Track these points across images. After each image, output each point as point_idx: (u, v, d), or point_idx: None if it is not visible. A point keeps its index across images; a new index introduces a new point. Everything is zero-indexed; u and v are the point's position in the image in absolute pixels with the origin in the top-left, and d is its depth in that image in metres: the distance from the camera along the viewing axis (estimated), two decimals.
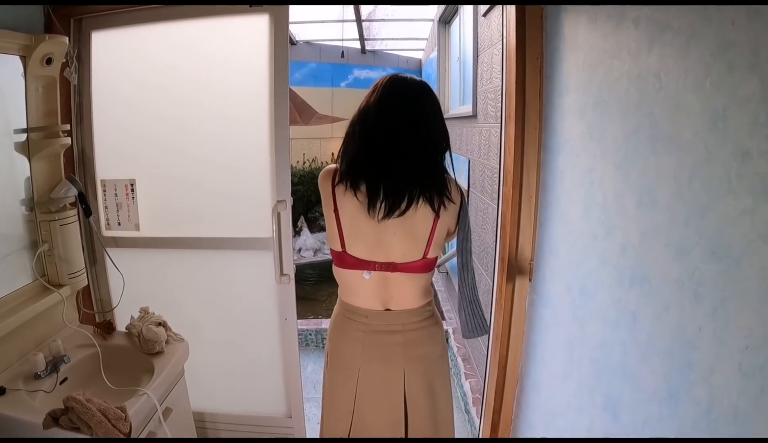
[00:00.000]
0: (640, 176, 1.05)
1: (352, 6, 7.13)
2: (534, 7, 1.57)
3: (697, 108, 0.85)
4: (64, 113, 1.94)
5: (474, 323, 1.61)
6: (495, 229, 1.94)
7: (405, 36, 9.12)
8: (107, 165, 2.14)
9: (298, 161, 9.55)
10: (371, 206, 1.36)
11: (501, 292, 1.81)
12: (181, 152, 2.10)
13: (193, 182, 2.12)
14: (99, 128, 2.10)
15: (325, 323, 1.45)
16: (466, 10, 4.98)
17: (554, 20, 1.51)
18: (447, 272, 6.15)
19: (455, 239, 1.55)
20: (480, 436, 2.14)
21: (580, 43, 1.34)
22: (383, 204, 1.36)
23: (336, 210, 1.44)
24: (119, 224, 2.16)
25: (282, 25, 1.92)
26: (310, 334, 4.02)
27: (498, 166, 1.89)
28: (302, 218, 9.19)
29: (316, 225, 9.32)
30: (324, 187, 1.45)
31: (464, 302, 1.60)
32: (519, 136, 1.65)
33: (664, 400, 0.96)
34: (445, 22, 6.33)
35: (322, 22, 8.34)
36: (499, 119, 1.90)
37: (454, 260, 1.72)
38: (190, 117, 2.07)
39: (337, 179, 1.41)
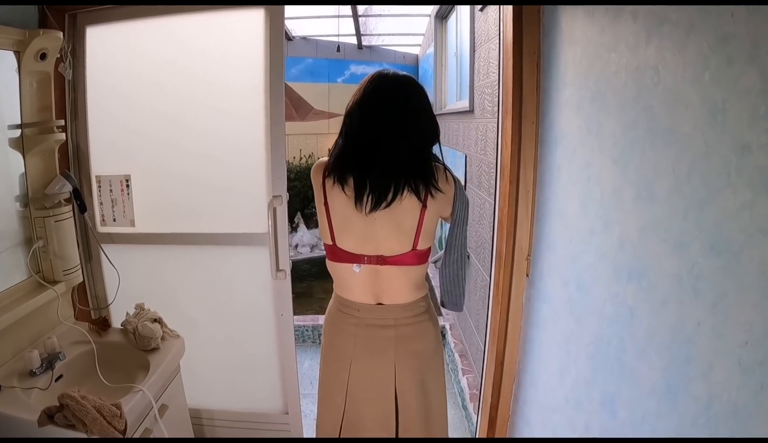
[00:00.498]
0: (638, 171, 1.04)
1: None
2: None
3: (696, 101, 0.84)
4: (59, 108, 1.93)
5: (449, 301, 1.64)
6: (492, 224, 1.94)
7: (401, 31, 9.10)
8: (102, 161, 2.12)
9: (294, 157, 9.50)
10: (358, 200, 1.38)
11: (498, 288, 1.81)
12: (177, 148, 2.09)
13: (189, 177, 2.11)
14: (94, 124, 2.09)
15: (322, 320, 1.46)
16: (463, 5, 4.96)
17: (551, 14, 1.50)
18: None
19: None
20: (477, 432, 2.14)
21: (578, 36, 1.33)
22: (370, 197, 1.37)
23: (326, 203, 1.46)
24: (114, 220, 2.15)
25: (278, 19, 1.91)
26: (307, 330, 4.02)
27: (495, 161, 1.89)
28: (299, 214, 9.16)
29: (312, 221, 9.28)
30: (315, 179, 1.47)
31: (445, 281, 1.61)
32: (516, 131, 1.64)
33: (663, 396, 0.95)
34: (441, 17, 6.31)
35: (319, 17, 8.32)
36: (496, 114, 1.90)
37: None
38: (186, 112, 2.06)
39: (326, 173, 1.44)
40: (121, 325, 1.85)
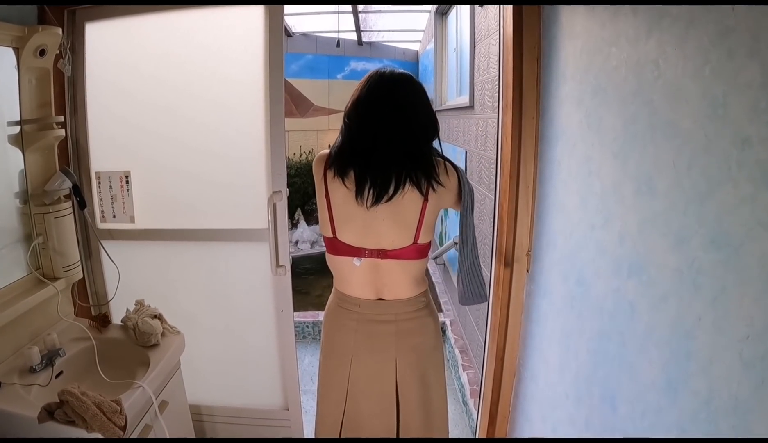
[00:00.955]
0: (639, 165, 1.04)
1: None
2: None
3: (697, 95, 0.84)
4: (58, 104, 1.92)
5: (471, 293, 1.61)
6: (492, 220, 1.93)
7: (401, 27, 9.07)
8: (102, 157, 2.12)
9: (294, 153, 9.49)
10: (359, 193, 1.39)
11: (498, 283, 1.81)
12: (176, 143, 2.09)
13: (189, 173, 2.11)
14: (93, 120, 2.08)
15: (322, 316, 1.45)
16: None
17: (552, 9, 1.50)
18: (444, 264, 6.14)
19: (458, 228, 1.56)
20: (478, 428, 2.15)
21: (578, 31, 1.33)
22: (371, 191, 1.38)
23: (327, 195, 1.46)
24: (114, 216, 2.15)
25: (277, 16, 1.90)
26: (307, 326, 4.02)
27: (495, 157, 1.88)
28: (299, 211, 9.15)
29: (313, 218, 9.27)
30: (316, 171, 1.47)
31: (463, 275, 1.60)
32: (516, 126, 1.64)
33: (663, 391, 0.95)
34: (442, 13, 6.29)
35: (318, 13, 8.30)
36: (496, 110, 1.89)
37: (451, 251, 1.72)
38: (185, 108, 2.05)
39: (327, 164, 1.44)
40: (121, 321, 1.85)
